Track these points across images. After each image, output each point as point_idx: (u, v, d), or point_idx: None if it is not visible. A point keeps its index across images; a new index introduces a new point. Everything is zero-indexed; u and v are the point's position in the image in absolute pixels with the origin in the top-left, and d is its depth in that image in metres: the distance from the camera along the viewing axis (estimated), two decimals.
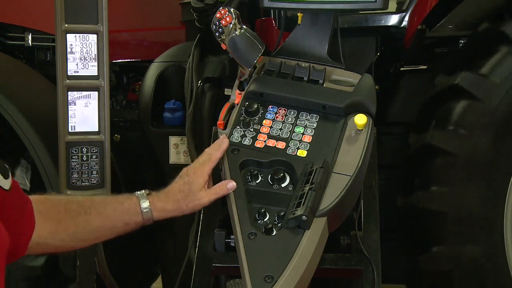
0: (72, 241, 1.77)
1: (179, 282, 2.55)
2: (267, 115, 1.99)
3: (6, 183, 1.53)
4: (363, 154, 1.86)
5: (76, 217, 1.74)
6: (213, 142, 2.19)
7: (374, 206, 2.11)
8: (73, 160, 2.38)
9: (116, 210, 1.78)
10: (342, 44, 2.19)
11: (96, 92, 2.39)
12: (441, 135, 2.39)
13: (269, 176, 1.86)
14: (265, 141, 1.93)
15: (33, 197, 1.70)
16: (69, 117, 2.37)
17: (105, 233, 1.80)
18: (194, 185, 1.81)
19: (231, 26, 2.02)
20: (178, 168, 2.71)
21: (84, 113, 2.39)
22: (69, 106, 2.37)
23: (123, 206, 1.79)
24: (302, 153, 1.89)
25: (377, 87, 2.13)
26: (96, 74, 2.39)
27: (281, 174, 1.85)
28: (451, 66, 2.51)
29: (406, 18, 2.67)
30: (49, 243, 1.72)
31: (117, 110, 2.97)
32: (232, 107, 2.08)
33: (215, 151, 1.89)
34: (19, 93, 2.65)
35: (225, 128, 2.02)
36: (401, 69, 2.86)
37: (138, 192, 1.82)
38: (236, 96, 2.10)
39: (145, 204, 1.79)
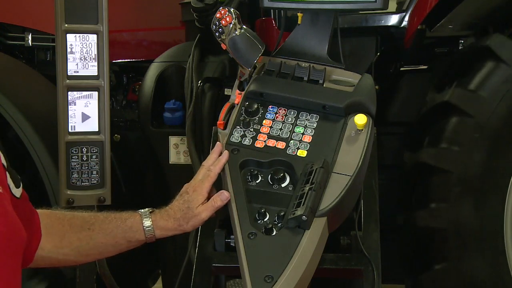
0: (75, 256, 1.78)
1: (179, 282, 2.55)
2: (267, 115, 1.99)
3: (17, 192, 1.58)
4: (363, 154, 1.86)
5: (80, 232, 1.76)
6: (213, 142, 2.19)
7: (374, 206, 2.11)
8: (73, 160, 2.38)
9: (119, 227, 1.79)
10: (342, 44, 2.19)
11: (96, 92, 2.39)
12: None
13: (269, 176, 1.86)
14: (265, 141, 1.93)
15: (39, 211, 1.73)
16: (69, 117, 2.38)
17: (107, 249, 1.82)
18: (192, 202, 1.82)
19: (231, 26, 2.02)
20: (178, 168, 2.74)
21: (84, 113, 2.39)
22: (69, 106, 2.38)
23: (125, 224, 1.80)
24: (302, 153, 1.89)
25: (377, 87, 2.13)
26: (96, 74, 2.39)
27: (281, 174, 1.85)
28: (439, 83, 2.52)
29: (406, 18, 2.67)
30: (52, 257, 1.73)
31: (117, 110, 2.98)
32: (232, 107, 2.08)
33: (214, 166, 1.89)
34: (19, 93, 2.65)
35: (225, 128, 2.02)
36: (401, 69, 2.86)
37: (142, 210, 1.84)
38: (236, 96, 2.10)
39: (147, 222, 1.81)
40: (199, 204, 1.82)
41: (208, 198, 1.85)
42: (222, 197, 1.82)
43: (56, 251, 1.73)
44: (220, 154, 1.92)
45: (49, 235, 1.71)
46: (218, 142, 1.97)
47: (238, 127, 1.97)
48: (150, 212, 1.83)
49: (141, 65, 2.97)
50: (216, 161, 1.90)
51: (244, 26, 2.06)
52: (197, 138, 2.62)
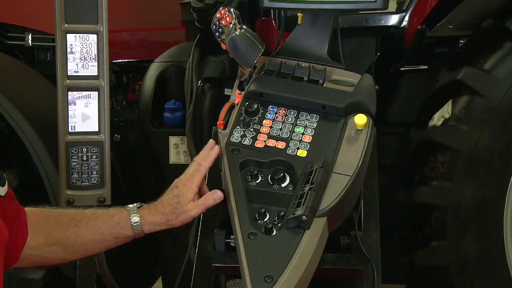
0: (63, 254, 1.77)
1: (179, 282, 2.55)
2: (267, 115, 1.99)
3: (1, 190, 1.57)
4: (363, 154, 1.86)
5: (66, 230, 1.75)
6: None
7: (374, 206, 2.11)
8: (73, 160, 2.38)
9: (106, 223, 1.78)
10: (342, 44, 2.19)
11: (96, 92, 2.39)
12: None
13: (269, 176, 1.86)
14: (265, 141, 1.93)
15: (26, 209, 1.72)
16: (69, 117, 2.38)
17: (95, 246, 1.80)
18: (182, 198, 1.80)
19: (231, 26, 2.02)
20: (178, 168, 2.73)
21: (84, 113, 2.39)
22: (69, 106, 2.38)
23: (113, 220, 1.78)
24: (302, 153, 1.89)
25: (377, 87, 2.13)
26: (96, 74, 2.39)
27: (281, 174, 1.85)
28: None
29: (406, 18, 2.67)
30: (39, 255, 1.72)
31: (117, 110, 2.97)
32: (232, 107, 2.08)
33: (204, 160, 1.87)
34: (19, 93, 2.65)
35: (225, 128, 2.02)
36: (401, 69, 2.86)
37: (130, 206, 1.82)
38: (236, 96, 2.10)
39: (135, 218, 1.79)
40: (189, 199, 1.80)
41: (200, 194, 1.83)
42: (215, 196, 1.81)
43: (42, 249, 1.72)
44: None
45: (35, 233, 1.70)
46: (211, 139, 1.96)
47: (238, 127, 1.97)
48: (138, 207, 1.81)
49: (141, 65, 2.97)
50: (207, 155, 1.88)
51: (244, 26, 2.06)
52: (197, 138, 2.62)
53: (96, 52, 2.38)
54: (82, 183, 2.40)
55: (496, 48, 2.37)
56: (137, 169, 2.95)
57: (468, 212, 2.33)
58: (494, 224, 2.34)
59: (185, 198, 1.80)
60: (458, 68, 2.41)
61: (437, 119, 2.40)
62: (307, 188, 1.75)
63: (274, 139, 1.93)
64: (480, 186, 2.33)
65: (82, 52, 2.37)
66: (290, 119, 1.98)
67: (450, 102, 2.38)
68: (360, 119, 1.89)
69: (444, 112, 2.38)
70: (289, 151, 1.90)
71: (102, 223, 1.78)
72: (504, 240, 2.35)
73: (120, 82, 3.05)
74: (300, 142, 1.92)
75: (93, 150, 2.40)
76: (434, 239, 2.37)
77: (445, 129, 2.37)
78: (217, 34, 2.05)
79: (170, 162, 2.77)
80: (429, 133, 2.42)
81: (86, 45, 2.37)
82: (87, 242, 1.77)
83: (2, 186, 1.58)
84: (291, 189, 1.83)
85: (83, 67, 2.38)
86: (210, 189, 1.87)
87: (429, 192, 2.38)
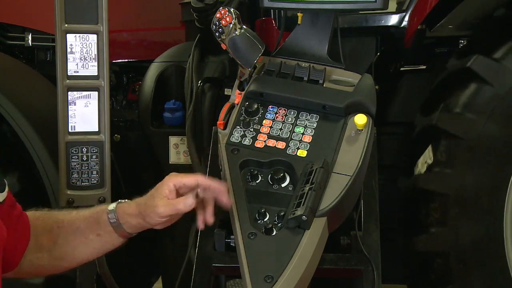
0: (48, 259, 1.71)
1: (179, 282, 2.55)
2: (267, 115, 1.99)
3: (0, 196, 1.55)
4: (363, 154, 1.86)
5: (50, 232, 1.70)
6: (213, 142, 2.20)
7: (374, 206, 2.11)
8: (73, 160, 2.38)
9: (86, 220, 1.71)
10: (342, 44, 2.19)
11: (96, 92, 2.40)
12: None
13: (269, 176, 1.86)
14: (265, 141, 1.93)
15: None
16: (69, 117, 2.38)
17: (79, 250, 1.72)
18: (157, 191, 1.68)
19: (231, 26, 2.02)
20: (178, 168, 2.74)
21: (84, 113, 2.39)
22: (69, 106, 2.38)
23: (92, 216, 1.71)
24: (302, 153, 1.89)
25: (377, 87, 2.13)
26: (96, 74, 2.39)
27: (281, 174, 1.85)
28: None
29: (406, 18, 2.67)
30: (29, 261, 1.68)
31: (117, 110, 2.98)
32: (232, 107, 2.08)
33: (204, 179, 1.72)
34: (19, 93, 2.65)
35: (225, 128, 2.02)
36: (401, 69, 2.86)
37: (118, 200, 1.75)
38: (236, 96, 2.10)
39: (111, 207, 1.69)
40: (163, 195, 1.66)
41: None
42: (186, 201, 1.65)
43: (29, 255, 1.68)
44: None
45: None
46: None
47: (238, 127, 1.97)
48: (119, 202, 1.72)
49: (141, 65, 2.97)
50: (210, 181, 1.74)
51: (244, 26, 2.06)
52: (197, 138, 2.62)
53: (96, 52, 2.38)
54: (82, 183, 2.40)
55: (464, 89, 2.37)
56: (137, 169, 2.95)
57: (470, 254, 2.33)
58: (497, 260, 2.34)
59: (159, 192, 1.68)
60: (432, 112, 2.42)
61: (421, 166, 2.42)
62: (307, 188, 1.75)
63: (274, 139, 1.93)
64: (474, 226, 2.33)
65: (82, 52, 2.38)
66: (290, 119, 1.98)
67: (430, 147, 2.39)
68: (360, 119, 1.89)
69: (426, 157, 2.40)
70: (289, 151, 1.90)
71: (82, 221, 1.71)
72: (510, 274, 2.35)
73: (120, 82, 3.05)
74: (300, 142, 1.92)
75: (93, 150, 2.40)
76: (440, 286, 2.37)
77: (430, 176, 2.37)
78: (217, 34, 2.05)
79: (170, 162, 2.77)
80: (416, 181, 2.42)
81: (86, 45, 2.37)
82: (70, 245, 1.70)
83: (1, 192, 1.56)
84: (291, 189, 1.83)
85: (83, 67, 2.38)
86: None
87: (428, 239, 2.37)
